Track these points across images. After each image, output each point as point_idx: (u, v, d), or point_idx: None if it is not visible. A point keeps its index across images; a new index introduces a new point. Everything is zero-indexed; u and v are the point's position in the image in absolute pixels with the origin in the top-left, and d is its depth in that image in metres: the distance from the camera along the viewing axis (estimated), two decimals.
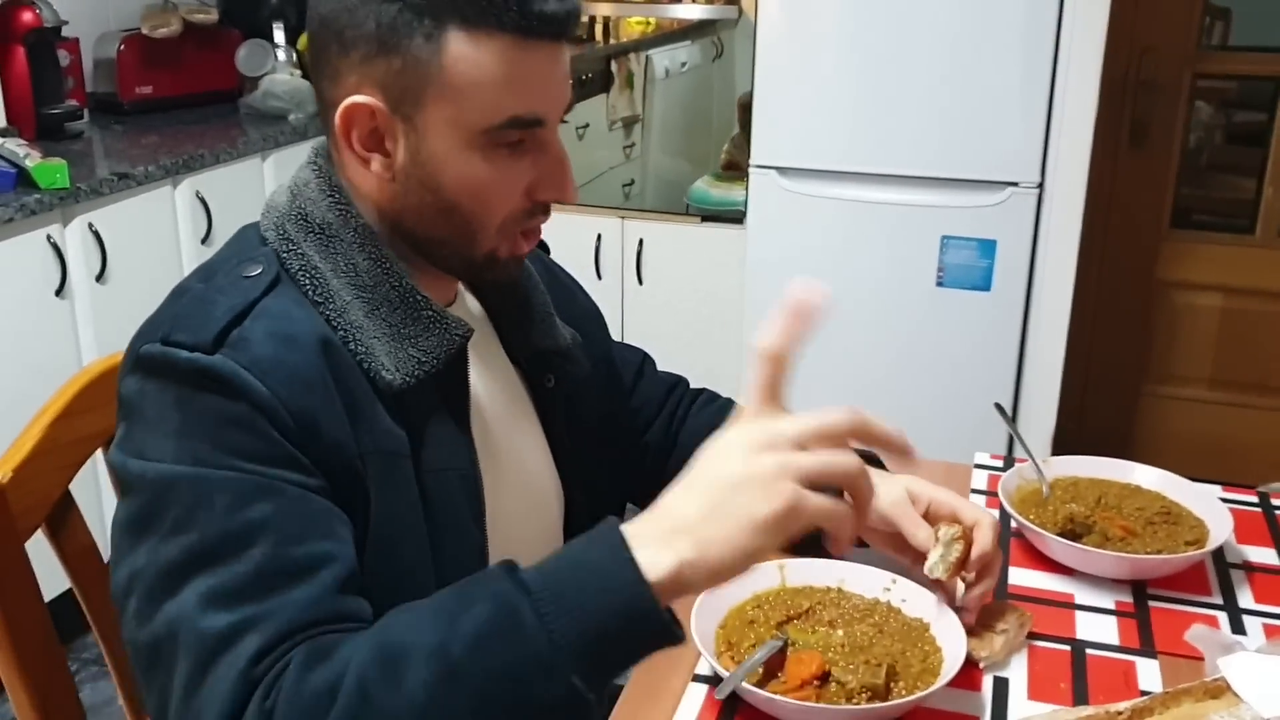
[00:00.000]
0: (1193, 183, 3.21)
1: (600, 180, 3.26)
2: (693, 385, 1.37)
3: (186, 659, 0.81)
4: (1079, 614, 1.15)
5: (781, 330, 0.85)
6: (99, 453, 1.16)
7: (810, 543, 1.21)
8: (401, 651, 0.77)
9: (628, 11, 3.30)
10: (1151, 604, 1.17)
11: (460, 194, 0.95)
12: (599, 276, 3.11)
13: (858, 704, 0.96)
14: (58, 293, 2.39)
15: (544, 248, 1.21)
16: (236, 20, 3.36)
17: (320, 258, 0.97)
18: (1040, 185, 2.67)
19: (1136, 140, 3.10)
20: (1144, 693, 1.03)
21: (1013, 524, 1.26)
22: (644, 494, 1.31)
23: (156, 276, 2.61)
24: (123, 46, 3.08)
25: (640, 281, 3.12)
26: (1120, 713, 0.94)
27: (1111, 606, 1.17)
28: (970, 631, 1.06)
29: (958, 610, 1.08)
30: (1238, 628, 1.13)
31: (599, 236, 3.09)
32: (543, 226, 1.04)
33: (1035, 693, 1.03)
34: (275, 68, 3.28)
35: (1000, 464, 1.47)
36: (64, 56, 2.86)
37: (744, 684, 0.97)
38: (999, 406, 1.44)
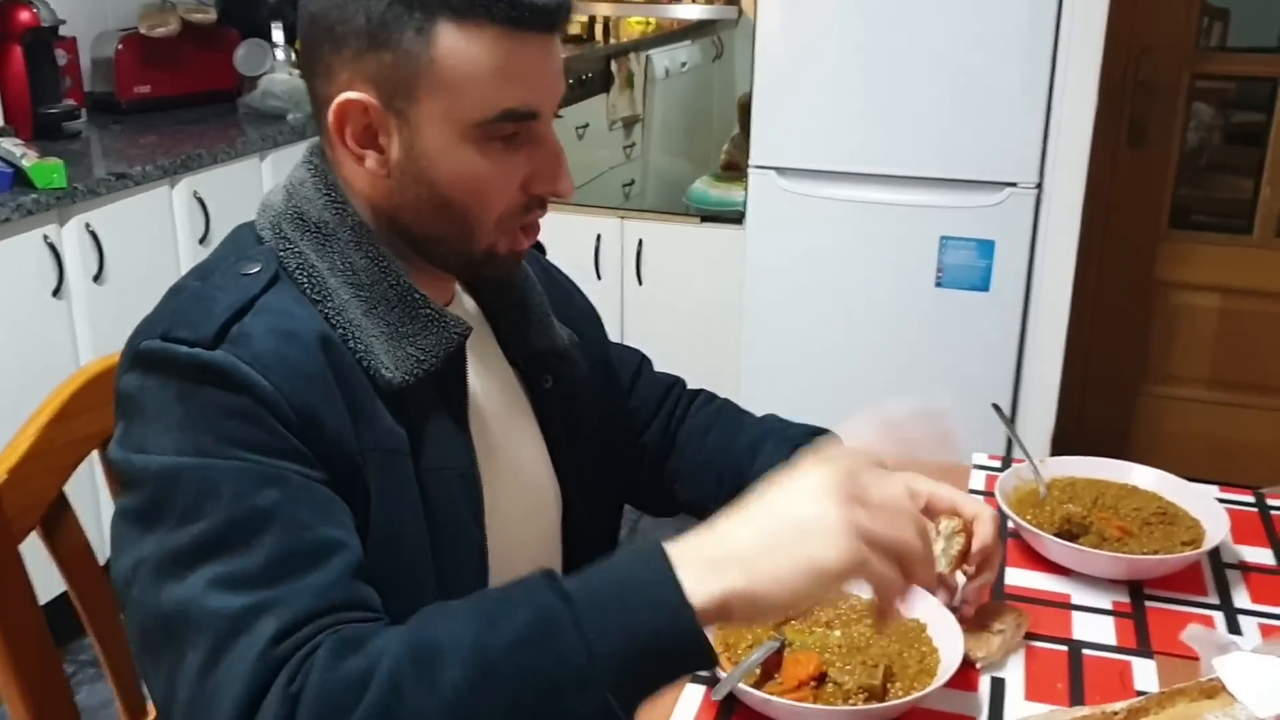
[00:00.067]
0: (1191, 183, 3.21)
1: (600, 180, 3.25)
2: (692, 385, 1.37)
3: (200, 641, 0.80)
4: (1076, 614, 1.15)
5: (912, 425, 0.87)
6: (95, 454, 1.16)
7: None
8: (437, 649, 0.77)
9: (628, 11, 3.30)
10: (1148, 604, 1.17)
11: (455, 189, 0.95)
12: (598, 276, 3.11)
13: (854, 705, 0.96)
14: (54, 293, 2.39)
15: (540, 249, 1.21)
16: (235, 20, 3.36)
17: (317, 256, 0.96)
18: (1039, 186, 2.67)
19: (1135, 141, 3.10)
20: (1140, 693, 1.03)
21: (1010, 524, 1.26)
22: (641, 495, 1.32)
23: (154, 277, 2.61)
24: (120, 46, 3.08)
25: (640, 282, 3.12)
26: (1116, 713, 0.94)
27: (1108, 607, 1.17)
28: (967, 631, 1.06)
29: (959, 603, 1.08)
30: (1234, 628, 1.13)
31: (598, 237, 3.09)
32: (542, 227, 1.04)
33: (1032, 693, 1.03)
34: (274, 67, 3.28)
35: (998, 464, 1.47)
36: (61, 56, 2.86)
37: (741, 685, 0.97)
38: (996, 407, 1.44)
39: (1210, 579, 1.22)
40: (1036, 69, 2.58)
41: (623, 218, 3.10)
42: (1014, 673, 1.06)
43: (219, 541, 0.82)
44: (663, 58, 3.37)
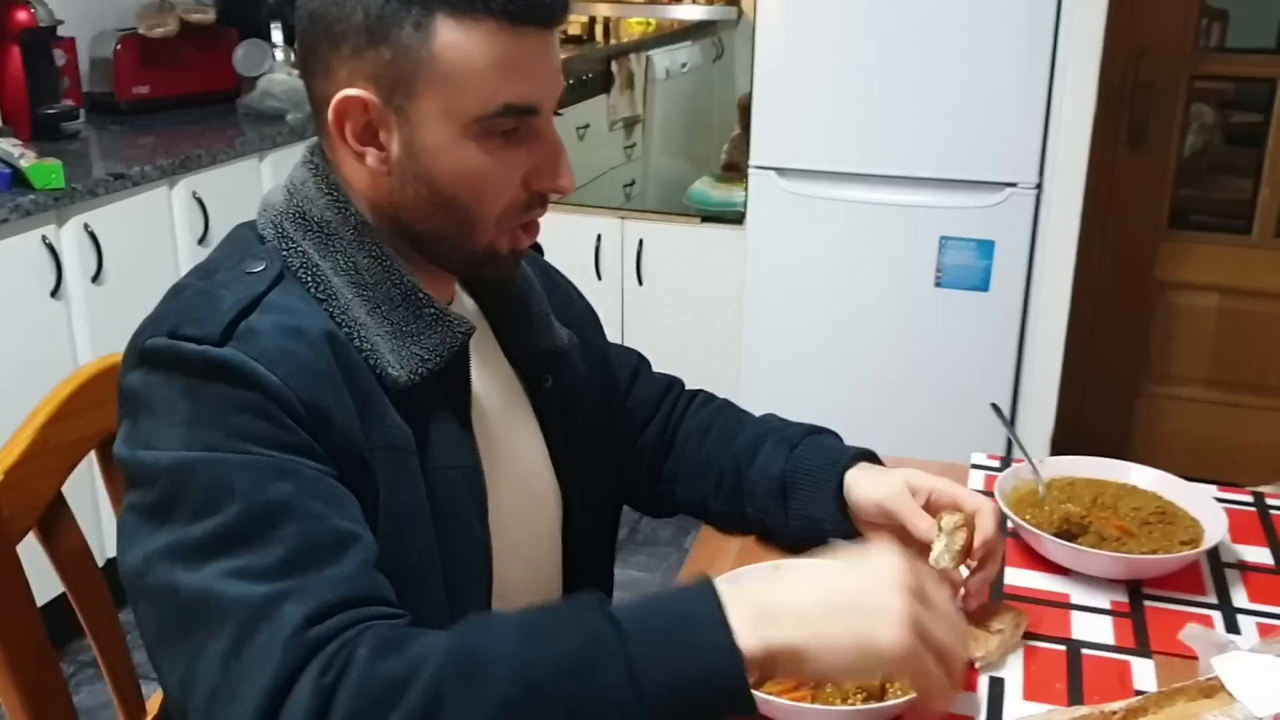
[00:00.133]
0: (1190, 183, 3.21)
1: (600, 181, 3.25)
2: (692, 385, 1.37)
3: (222, 630, 0.79)
4: (1075, 614, 1.15)
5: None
6: (93, 455, 1.16)
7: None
8: (482, 660, 0.77)
9: (628, 12, 3.30)
10: (1147, 604, 1.17)
11: (456, 185, 0.95)
12: (599, 277, 3.11)
13: (853, 704, 0.95)
14: (53, 294, 2.38)
15: (538, 249, 1.21)
16: (234, 20, 3.35)
17: (320, 256, 0.96)
18: (1039, 186, 2.67)
19: (1134, 141, 3.10)
20: (1139, 692, 1.03)
21: (1009, 524, 1.25)
22: (640, 495, 1.32)
23: (153, 278, 2.60)
24: (119, 46, 3.08)
25: (640, 282, 3.12)
26: (1115, 712, 0.94)
27: (1107, 606, 1.17)
28: (966, 631, 1.06)
29: (963, 598, 1.08)
30: (1232, 627, 1.13)
31: (599, 237, 3.09)
32: (542, 227, 1.04)
33: (1031, 693, 1.03)
34: (273, 68, 3.28)
35: (998, 464, 1.47)
36: (60, 56, 2.86)
37: None
38: (995, 407, 1.44)
39: (1209, 578, 1.22)
40: (1036, 69, 2.58)
41: (623, 218, 3.10)
42: (1013, 672, 1.06)
43: (236, 535, 0.82)
44: (663, 58, 3.37)
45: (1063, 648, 1.10)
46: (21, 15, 2.72)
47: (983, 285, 2.73)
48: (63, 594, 1.11)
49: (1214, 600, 1.18)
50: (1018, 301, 2.74)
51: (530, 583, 1.13)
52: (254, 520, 0.82)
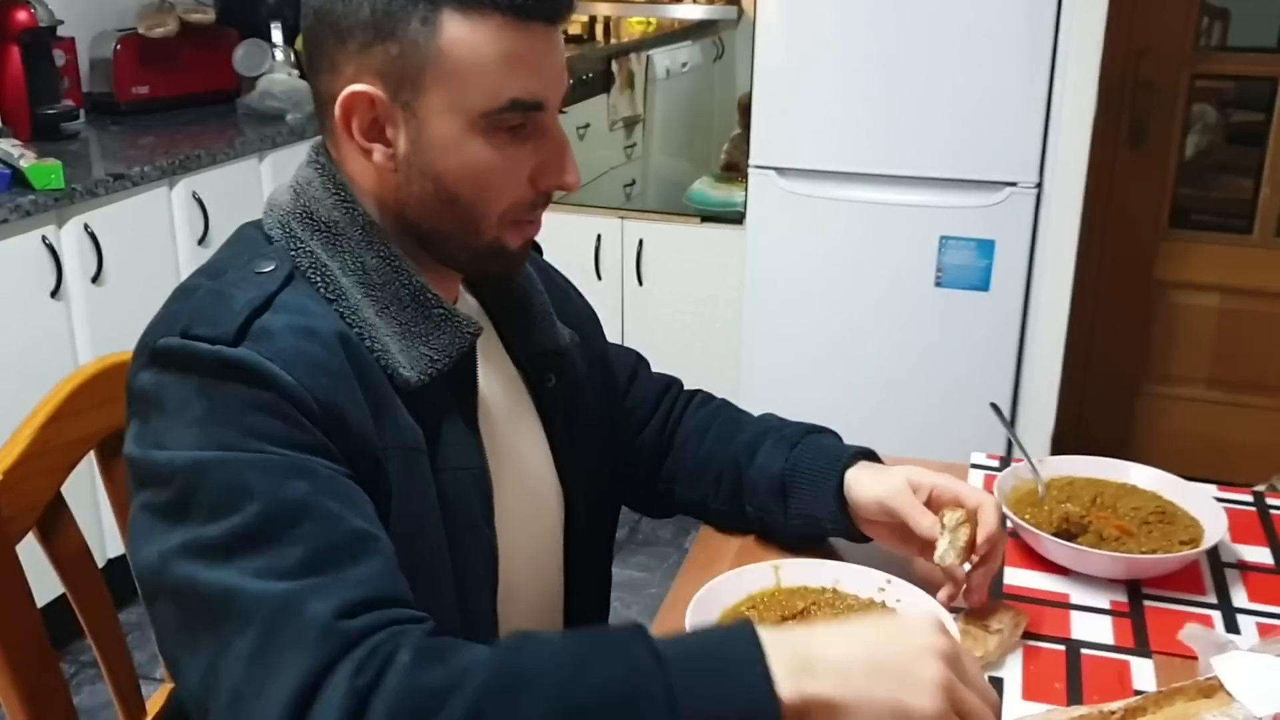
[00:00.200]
0: (1191, 183, 3.21)
1: (601, 180, 3.25)
2: (691, 385, 1.37)
3: (248, 626, 0.79)
4: (1074, 614, 1.15)
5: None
6: (92, 455, 1.16)
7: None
8: (525, 679, 0.77)
9: (628, 11, 3.30)
10: (1146, 603, 1.17)
11: (463, 181, 0.95)
12: (599, 277, 3.11)
13: None
14: (53, 294, 2.39)
15: (537, 248, 1.21)
16: (234, 20, 3.35)
17: (328, 256, 0.96)
18: (1039, 185, 2.67)
19: (1135, 141, 3.10)
20: (1138, 692, 1.03)
21: (1008, 524, 1.25)
22: (638, 495, 1.32)
23: (153, 278, 2.61)
24: (119, 46, 3.08)
25: (640, 282, 3.12)
26: (1114, 712, 0.94)
27: (1106, 606, 1.16)
28: (964, 630, 1.06)
29: (964, 593, 1.08)
30: (1232, 627, 1.13)
31: (599, 237, 3.09)
32: (542, 227, 1.04)
33: (1030, 693, 1.03)
34: (273, 68, 3.28)
35: (998, 464, 1.47)
36: (59, 56, 2.86)
37: None
38: (995, 407, 1.44)
39: (1209, 578, 1.21)
40: (1036, 68, 2.58)
41: (623, 218, 3.10)
42: (1012, 672, 1.06)
43: (255, 534, 0.82)
44: (663, 58, 3.37)
45: (1062, 647, 1.10)
46: (21, 15, 2.72)
47: (983, 285, 2.73)
48: (63, 594, 1.11)
49: (1214, 600, 1.18)
50: (1018, 301, 2.74)
51: (532, 583, 1.13)
52: (273, 520, 0.82)
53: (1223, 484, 1.41)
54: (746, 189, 2.88)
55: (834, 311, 2.85)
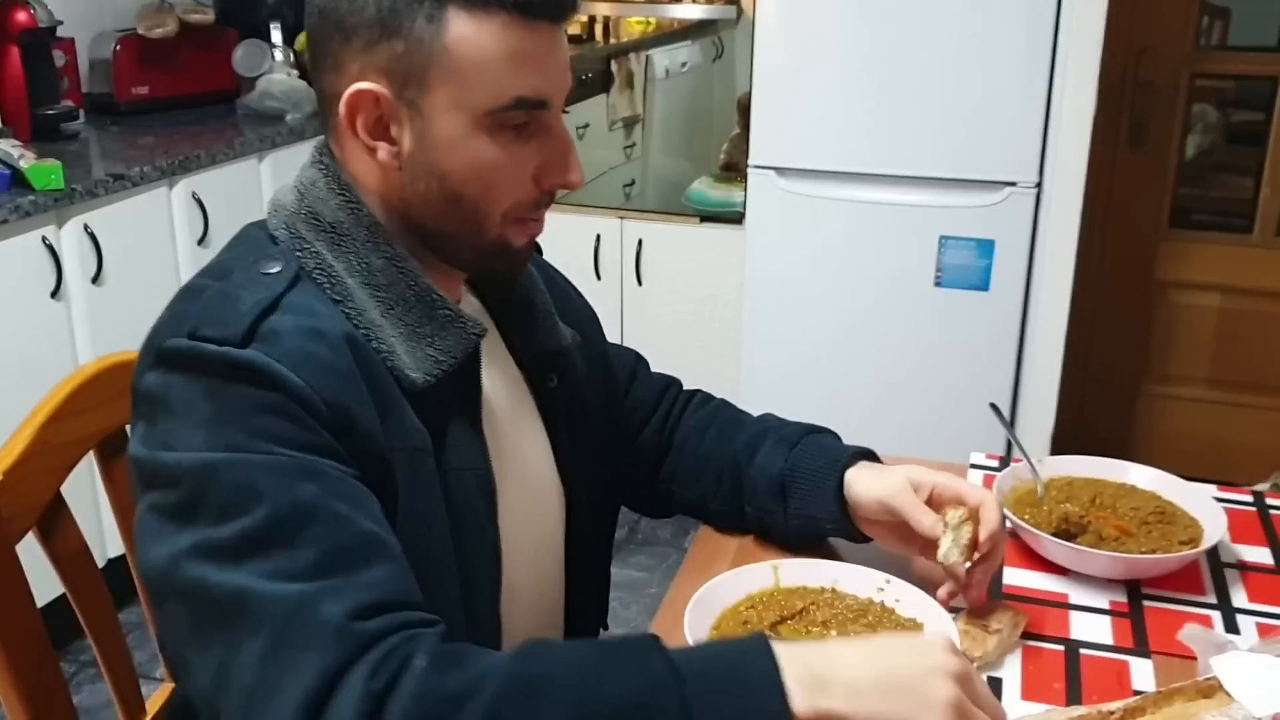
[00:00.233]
0: (1191, 182, 3.20)
1: (600, 180, 3.25)
2: (691, 385, 1.37)
3: (260, 628, 0.79)
4: (1073, 614, 1.15)
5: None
6: (92, 455, 1.16)
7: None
8: (543, 688, 0.78)
9: (628, 11, 3.30)
10: (1146, 604, 1.17)
11: (467, 179, 0.95)
12: (598, 277, 3.11)
13: None
14: (53, 295, 2.39)
15: (537, 249, 1.21)
16: (233, 20, 3.36)
17: (334, 257, 0.96)
18: (1039, 185, 2.67)
19: (1135, 140, 3.10)
20: (1137, 692, 1.03)
21: (1008, 524, 1.25)
22: (637, 496, 1.32)
23: (152, 278, 2.61)
24: (118, 47, 3.08)
25: (639, 282, 3.12)
26: (1112, 712, 0.94)
27: (1106, 606, 1.16)
28: (963, 630, 1.06)
29: (965, 590, 1.08)
30: (1231, 627, 1.13)
31: (598, 237, 3.09)
32: (542, 228, 1.04)
33: (1029, 693, 1.03)
34: (272, 68, 3.28)
35: (997, 464, 1.47)
36: (59, 57, 2.86)
37: None
38: (994, 407, 1.44)
39: (1208, 578, 1.21)
40: (1036, 68, 2.58)
41: (622, 218, 3.10)
42: (1011, 672, 1.06)
43: (265, 536, 0.82)
44: (663, 58, 3.37)
45: (1061, 648, 1.10)
46: (21, 16, 2.72)
47: (982, 285, 2.73)
48: (63, 594, 1.11)
49: (1213, 600, 1.18)
50: (1018, 301, 2.74)
51: (533, 583, 1.13)
52: (283, 522, 0.82)
53: (1223, 484, 1.41)
54: (745, 189, 2.88)
55: (833, 311, 2.85)
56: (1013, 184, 2.66)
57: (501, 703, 0.76)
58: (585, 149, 3.25)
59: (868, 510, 1.15)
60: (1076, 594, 1.18)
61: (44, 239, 2.35)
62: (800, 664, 0.80)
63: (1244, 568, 1.24)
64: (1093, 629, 1.13)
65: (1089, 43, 2.56)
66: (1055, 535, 1.21)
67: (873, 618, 1.07)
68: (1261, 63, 3.14)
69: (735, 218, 2.98)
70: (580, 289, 1.26)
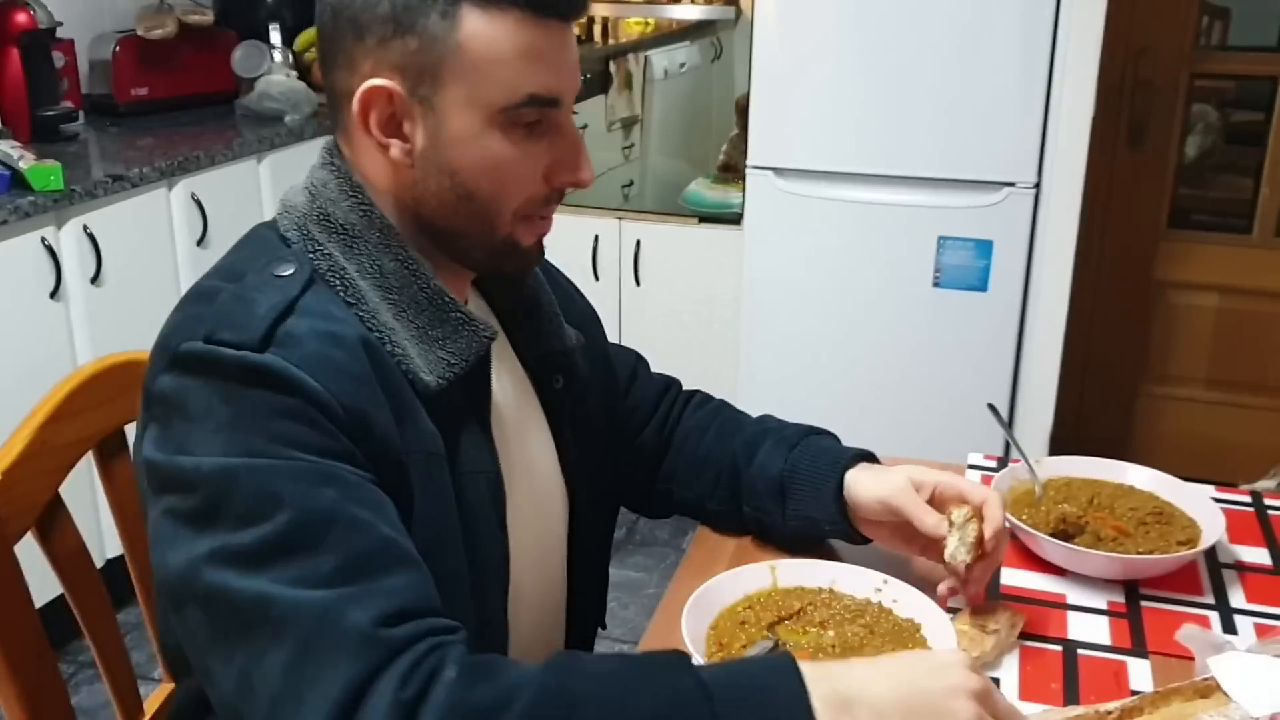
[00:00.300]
0: (1190, 183, 3.21)
1: (599, 181, 3.25)
2: (689, 386, 1.37)
3: (285, 635, 0.79)
4: (1071, 614, 1.15)
5: None
6: (90, 456, 1.16)
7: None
8: (573, 701, 0.78)
9: (627, 12, 3.30)
10: (1143, 604, 1.17)
11: (480, 176, 0.95)
12: (596, 277, 3.11)
13: None
14: (52, 295, 2.39)
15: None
16: (232, 22, 3.36)
17: (346, 259, 0.96)
18: (1037, 185, 2.67)
19: (1134, 140, 3.10)
20: (1135, 693, 1.03)
21: (1006, 523, 1.25)
22: (636, 496, 1.32)
23: (152, 279, 2.61)
24: (118, 48, 3.08)
25: (638, 283, 3.12)
26: (1110, 712, 0.94)
27: (1103, 606, 1.16)
28: (961, 630, 1.06)
29: (964, 586, 1.08)
30: (1229, 627, 1.13)
31: (596, 238, 3.09)
32: (550, 228, 1.04)
33: (1026, 693, 1.03)
34: (271, 69, 3.28)
35: (995, 465, 1.47)
36: (59, 58, 2.86)
37: None
38: (992, 407, 1.44)
39: (1206, 579, 1.21)
40: (1035, 68, 2.58)
41: (621, 218, 3.10)
42: (1009, 673, 1.06)
43: (287, 543, 0.81)
44: (661, 58, 3.37)
45: (1059, 648, 1.10)
46: (20, 17, 2.72)
47: (981, 285, 2.73)
48: (61, 595, 1.11)
49: (1211, 600, 1.18)
50: (1016, 301, 2.74)
51: (537, 584, 1.13)
52: (304, 528, 0.82)
53: (1221, 484, 1.41)
54: (743, 190, 2.88)
55: (832, 312, 2.85)
56: (1011, 184, 2.66)
57: (532, 716, 0.77)
58: None
59: (869, 511, 1.15)
60: (1074, 594, 1.18)
61: (43, 240, 2.35)
62: (826, 684, 0.81)
63: (1242, 568, 1.24)
64: (1090, 629, 1.13)
65: (1088, 42, 2.56)
66: (1053, 535, 1.21)
67: (870, 618, 1.07)
68: (1261, 63, 3.14)
69: (732, 219, 2.98)
70: (579, 289, 1.27)
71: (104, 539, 2.34)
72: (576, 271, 1.26)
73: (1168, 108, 3.07)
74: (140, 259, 2.58)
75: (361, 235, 0.97)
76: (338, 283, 0.95)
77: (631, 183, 3.33)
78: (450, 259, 1.02)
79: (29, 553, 1.05)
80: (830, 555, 1.20)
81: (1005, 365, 2.78)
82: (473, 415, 1.00)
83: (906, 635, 1.05)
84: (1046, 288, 2.73)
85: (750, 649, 1.01)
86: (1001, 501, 1.12)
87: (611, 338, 1.29)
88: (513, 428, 1.08)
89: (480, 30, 0.91)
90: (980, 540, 1.08)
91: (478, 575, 0.99)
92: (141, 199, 2.57)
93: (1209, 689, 0.96)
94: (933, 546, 1.11)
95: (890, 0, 2.62)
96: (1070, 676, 1.06)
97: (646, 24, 3.38)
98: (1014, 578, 1.21)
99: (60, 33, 2.87)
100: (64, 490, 1.10)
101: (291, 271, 0.94)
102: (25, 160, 2.35)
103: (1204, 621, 1.14)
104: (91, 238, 2.44)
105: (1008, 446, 1.50)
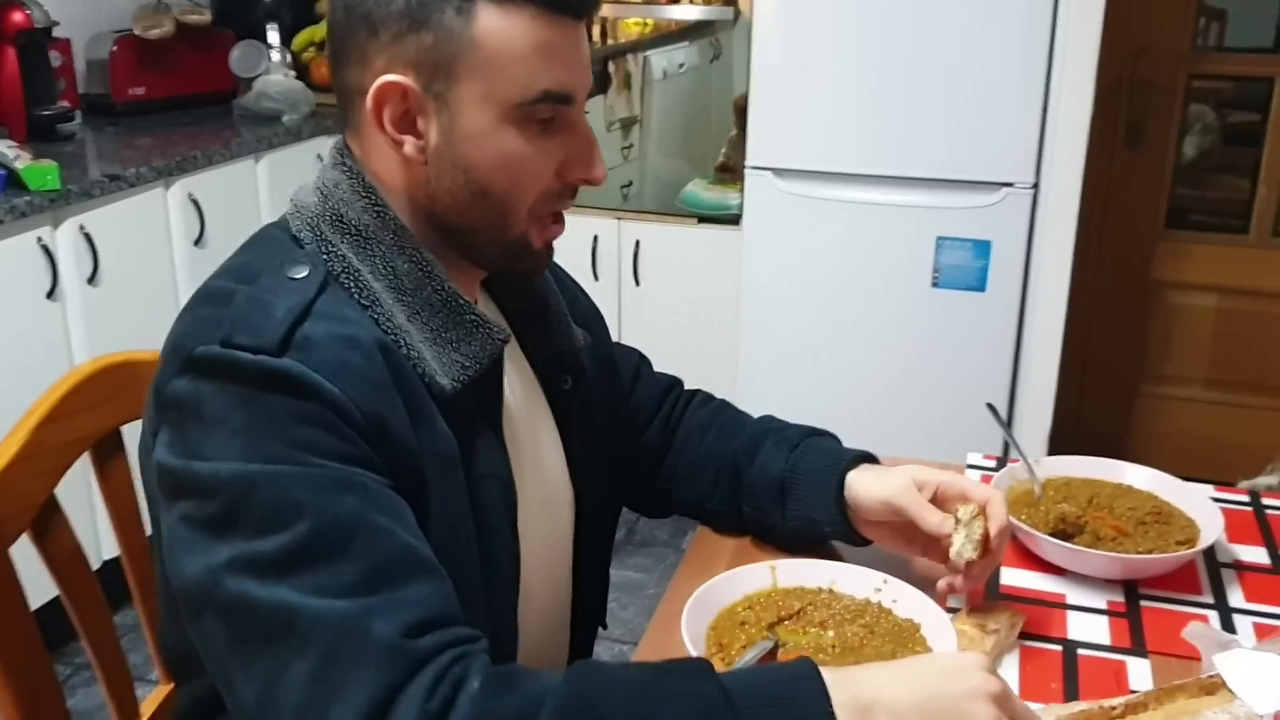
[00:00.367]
0: (1188, 183, 3.21)
1: None
2: (689, 386, 1.37)
3: (309, 646, 0.78)
4: (1070, 614, 1.15)
5: None
6: (86, 457, 1.15)
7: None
8: (598, 711, 0.79)
9: (625, 12, 3.30)
10: (1143, 604, 1.17)
11: (494, 172, 0.95)
12: (596, 278, 3.11)
13: None
14: (49, 295, 2.38)
15: None
16: (230, 21, 3.35)
17: (360, 261, 0.95)
18: (1035, 186, 2.67)
19: (1132, 141, 3.10)
20: (1134, 692, 1.02)
21: None
22: (637, 495, 1.32)
23: (148, 279, 2.61)
24: (115, 47, 3.07)
25: (637, 283, 3.12)
26: (1115, 708, 0.94)
27: (1103, 606, 1.16)
28: (961, 630, 1.06)
29: (964, 583, 1.08)
30: (1228, 627, 1.13)
31: (595, 238, 3.09)
32: (562, 231, 1.04)
33: (1026, 693, 1.03)
34: (269, 69, 3.28)
35: (994, 465, 1.47)
36: (55, 57, 2.86)
37: None
38: (991, 407, 1.43)
39: (1205, 578, 1.21)
40: (1033, 69, 2.58)
41: (620, 219, 3.10)
42: (1008, 673, 1.06)
43: (309, 551, 0.81)
44: (660, 59, 3.37)
45: (1058, 648, 1.10)
46: (17, 16, 2.71)
47: (979, 285, 2.72)
48: (57, 597, 1.11)
49: (1210, 600, 1.18)
50: (1015, 302, 2.74)
51: (545, 585, 1.13)
52: (325, 536, 0.81)
53: (1220, 484, 1.41)
54: (741, 191, 2.88)
55: (831, 312, 2.84)
56: (1010, 185, 2.66)
57: None
58: None
59: (870, 511, 1.15)
60: (1074, 594, 1.18)
61: (39, 240, 2.34)
62: (846, 690, 0.81)
63: (1241, 568, 1.24)
64: (1090, 629, 1.13)
65: (1086, 43, 2.56)
66: (1052, 535, 1.21)
67: (870, 618, 1.07)
68: (1258, 64, 3.15)
69: (730, 219, 2.98)
70: (584, 290, 1.26)
71: (100, 540, 2.33)
72: (576, 271, 1.26)
73: (1166, 108, 3.07)
74: (137, 259, 2.58)
75: (375, 237, 0.96)
76: (352, 285, 0.94)
77: (631, 183, 3.32)
78: (463, 258, 1.01)
79: (25, 554, 1.05)
80: (830, 555, 1.19)
81: (1004, 365, 2.78)
82: (485, 418, 1.00)
83: (906, 635, 1.05)
84: (1045, 288, 2.73)
85: (750, 649, 1.01)
86: (1004, 500, 1.11)
87: (612, 337, 1.29)
88: (523, 429, 1.08)
89: (495, 26, 0.91)
90: (986, 538, 1.08)
91: (490, 578, 0.99)
92: (138, 199, 2.57)
93: (1214, 686, 0.96)
94: (934, 547, 1.11)
95: (889, 1, 2.62)
96: (1070, 676, 1.05)
97: (645, 24, 3.38)
98: (1014, 577, 1.21)
99: (57, 32, 2.87)
100: (60, 491, 1.09)
101: (306, 274, 0.93)
102: (21, 160, 2.34)
103: (1203, 621, 1.13)
104: (88, 238, 2.44)
105: (1007, 446, 1.50)
